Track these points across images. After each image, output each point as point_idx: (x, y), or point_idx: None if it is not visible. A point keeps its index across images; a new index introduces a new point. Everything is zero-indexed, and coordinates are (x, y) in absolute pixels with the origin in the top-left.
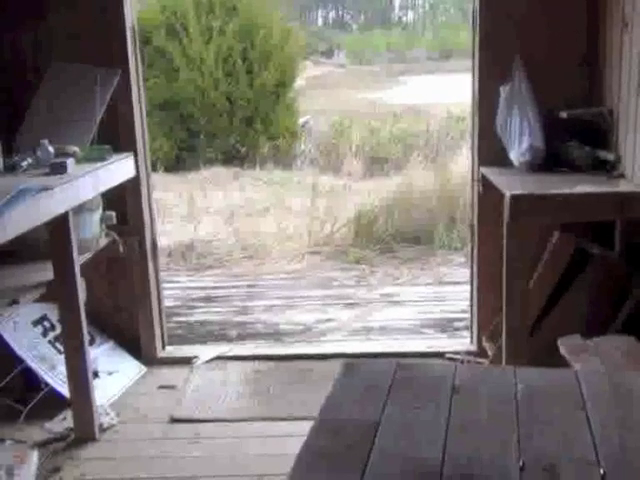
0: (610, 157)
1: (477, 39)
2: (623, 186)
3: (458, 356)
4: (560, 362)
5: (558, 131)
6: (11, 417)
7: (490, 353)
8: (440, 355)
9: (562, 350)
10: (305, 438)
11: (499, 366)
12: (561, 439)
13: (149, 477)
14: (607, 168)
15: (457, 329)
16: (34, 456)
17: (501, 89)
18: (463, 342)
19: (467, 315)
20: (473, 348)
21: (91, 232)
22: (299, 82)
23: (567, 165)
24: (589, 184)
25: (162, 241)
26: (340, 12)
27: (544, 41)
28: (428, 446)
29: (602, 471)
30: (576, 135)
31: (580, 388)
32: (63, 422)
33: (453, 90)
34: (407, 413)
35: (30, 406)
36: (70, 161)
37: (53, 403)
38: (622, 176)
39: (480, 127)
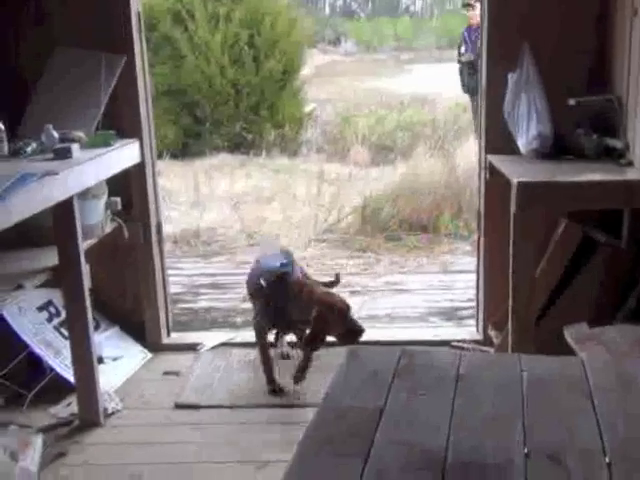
0: (618, 145)
1: (485, 26)
2: (631, 174)
3: (464, 344)
4: (566, 351)
5: (566, 119)
6: (16, 402)
7: (496, 342)
8: (446, 344)
9: (568, 338)
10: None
11: (504, 354)
12: (566, 428)
13: (153, 462)
14: (615, 156)
15: (463, 318)
16: (39, 441)
17: (509, 76)
18: (469, 331)
19: (473, 304)
20: (479, 337)
21: (96, 218)
22: (306, 70)
23: (575, 153)
24: (597, 172)
25: (168, 228)
26: (347, 0)
27: (553, 28)
28: (432, 434)
29: (607, 460)
30: (584, 123)
31: (586, 376)
32: (68, 407)
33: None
34: (411, 400)
35: (35, 391)
36: (75, 146)
37: (58, 388)
38: (630, 164)
39: (487, 115)
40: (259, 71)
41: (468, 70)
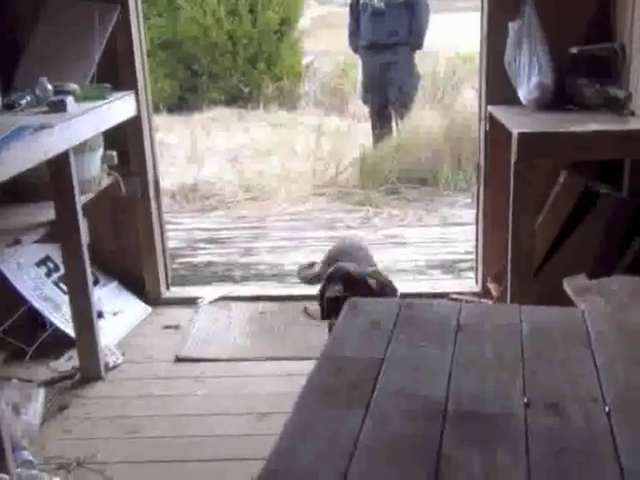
0: (621, 95)
1: None
2: (633, 124)
3: (462, 297)
4: (565, 303)
5: (568, 68)
6: (17, 357)
7: (495, 294)
8: (444, 296)
9: (567, 290)
10: (309, 376)
11: (504, 304)
12: (566, 377)
13: (154, 415)
14: (617, 106)
15: (462, 270)
16: (40, 395)
17: (510, 25)
18: (468, 283)
19: (472, 256)
20: (478, 289)
21: (93, 172)
22: (303, 22)
23: (576, 103)
24: (599, 122)
25: (165, 183)
26: None
27: None
28: (432, 384)
29: (607, 409)
30: (586, 72)
31: (586, 327)
32: (69, 361)
33: (460, 29)
34: (411, 351)
35: (35, 346)
36: (69, 99)
37: (58, 343)
38: (633, 114)
39: (488, 65)
40: (256, 22)
41: (372, 18)
